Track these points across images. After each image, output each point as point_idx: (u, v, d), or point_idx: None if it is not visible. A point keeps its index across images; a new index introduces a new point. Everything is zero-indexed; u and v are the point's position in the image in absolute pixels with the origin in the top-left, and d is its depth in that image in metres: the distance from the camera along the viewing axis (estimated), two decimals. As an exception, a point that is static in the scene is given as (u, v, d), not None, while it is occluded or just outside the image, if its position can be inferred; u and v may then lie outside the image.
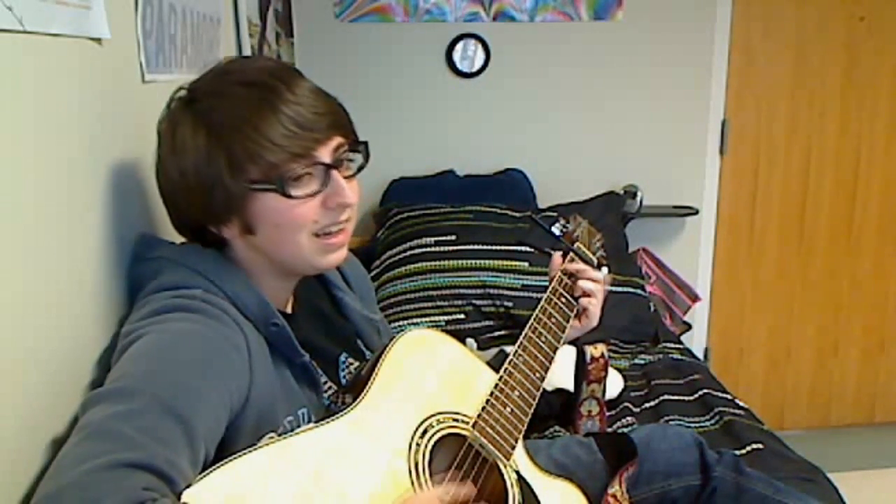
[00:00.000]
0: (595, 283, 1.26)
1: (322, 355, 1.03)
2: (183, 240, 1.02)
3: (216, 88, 0.92)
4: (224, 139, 0.87)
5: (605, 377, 1.53)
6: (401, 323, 2.22)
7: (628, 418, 1.80)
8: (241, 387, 0.84)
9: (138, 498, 0.61)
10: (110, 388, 0.74)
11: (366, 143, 0.98)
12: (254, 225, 0.91)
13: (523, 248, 2.31)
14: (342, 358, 1.09)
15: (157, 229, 1.12)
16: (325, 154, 0.91)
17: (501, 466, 0.95)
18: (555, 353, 1.14)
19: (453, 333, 1.20)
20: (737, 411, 1.82)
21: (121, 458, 0.64)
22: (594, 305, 1.26)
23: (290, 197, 0.89)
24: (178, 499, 0.67)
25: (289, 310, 1.04)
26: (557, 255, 1.33)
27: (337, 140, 0.92)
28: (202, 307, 0.85)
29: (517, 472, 0.97)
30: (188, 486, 0.68)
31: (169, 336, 0.81)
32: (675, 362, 2.17)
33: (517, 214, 2.43)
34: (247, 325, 0.89)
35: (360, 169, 0.98)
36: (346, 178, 0.93)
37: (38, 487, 0.64)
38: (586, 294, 1.26)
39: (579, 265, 1.28)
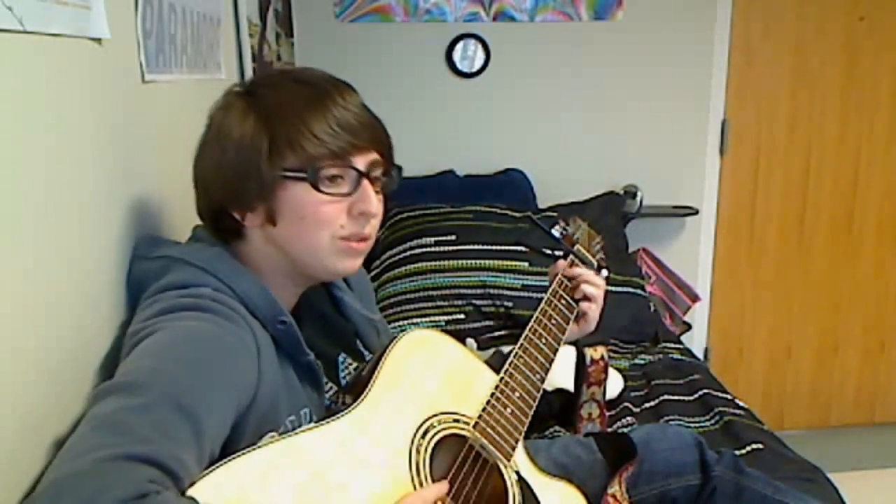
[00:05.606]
0: (596, 289, 1.26)
1: (322, 355, 1.03)
2: (189, 235, 1.02)
3: (274, 82, 0.99)
4: (270, 124, 0.91)
5: (605, 380, 1.53)
6: (401, 323, 2.22)
7: (628, 418, 1.80)
8: (249, 387, 0.84)
9: (143, 490, 0.62)
10: (120, 382, 0.74)
11: (399, 168, 1.00)
12: (278, 215, 0.92)
13: (523, 248, 2.31)
14: (341, 358, 1.09)
15: (157, 229, 1.12)
16: (360, 162, 0.93)
17: (502, 467, 0.95)
18: (555, 354, 1.14)
19: (453, 333, 1.20)
20: (737, 411, 1.82)
21: (127, 451, 0.64)
22: (594, 310, 1.26)
23: (319, 191, 0.91)
24: (182, 495, 0.67)
25: (290, 311, 1.04)
26: (562, 261, 1.33)
27: (374, 154, 0.95)
28: (212, 306, 0.86)
29: (517, 473, 0.97)
30: (192, 484, 0.68)
31: (180, 334, 0.81)
32: (675, 362, 2.17)
33: (517, 214, 2.43)
34: (254, 324, 0.89)
35: (387, 188, 0.99)
36: (374, 192, 0.96)
37: (45, 475, 0.64)
38: (587, 298, 1.25)
39: (579, 270, 1.27)
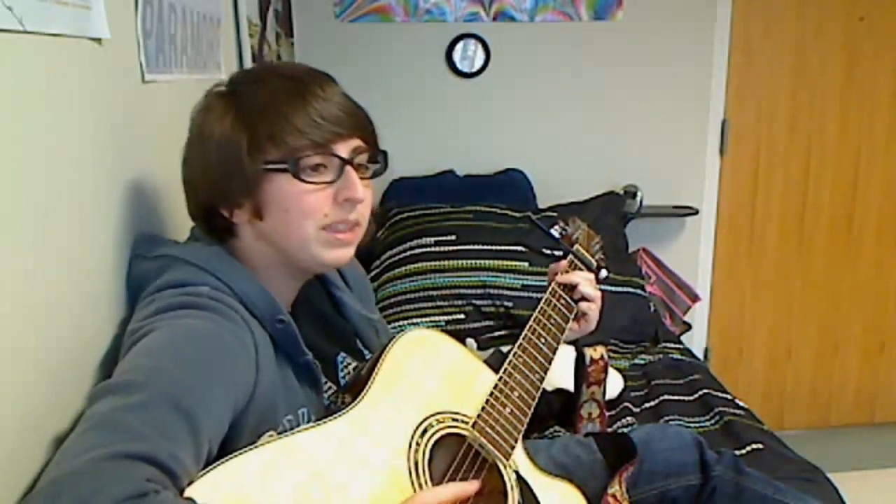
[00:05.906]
0: (593, 289, 1.26)
1: (321, 355, 1.03)
2: (188, 235, 1.02)
3: (255, 77, 1.00)
4: (250, 120, 0.91)
5: (604, 379, 1.53)
6: (401, 323, 2.22)
7: (628, 418, 1.80)
8: (247, 385, 0.85)
9: (141, 489, 0.62)
10: (118, 381, 0.74)
11: (385, 153, 1.00)
12: (264, 209, 0.92)
13: (523, 248, 2.31)
14: (340, 358, 1.09)
15: (157, 229, 1.12)
16: (343, 149, 0.93)
17: (501, 467, 0.95)
18: (554, 354, 1.14)
19: (453, 333, 1.20)
20: (737, 411, 1.83)
21: (125, 450, 0.64)
22: (593, 310, 1.26)
23: (301, 180, 0.90)
24: (181, 494, 0.67)
25: (288, 310, 1.04)
26: (562, 262, 1.32)
27: (357, 141, 0.95)
28: (211, 304, 0.86)
29: (517, 473, 0.97)
30: (190, 483, 0.68)
31: (178, 332, 0.81)
32: (675, 362, 2.17)
33: (517, 214, 2.43)
34: (253, 323, 0.89)
35: (375, 174, 0.99)
36: (360, 178, 0.95)
37: (43, 475, 0.64)
38: (585, 298, 1.25)
39: (572, 277, 1.26)
